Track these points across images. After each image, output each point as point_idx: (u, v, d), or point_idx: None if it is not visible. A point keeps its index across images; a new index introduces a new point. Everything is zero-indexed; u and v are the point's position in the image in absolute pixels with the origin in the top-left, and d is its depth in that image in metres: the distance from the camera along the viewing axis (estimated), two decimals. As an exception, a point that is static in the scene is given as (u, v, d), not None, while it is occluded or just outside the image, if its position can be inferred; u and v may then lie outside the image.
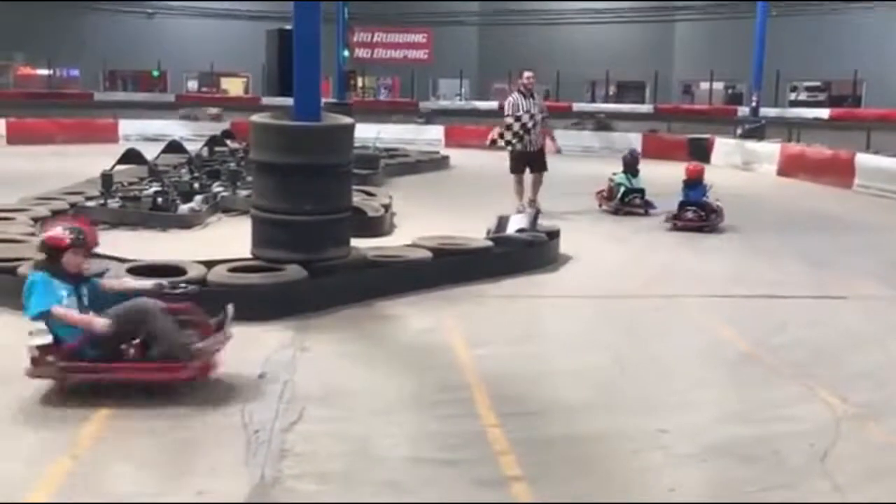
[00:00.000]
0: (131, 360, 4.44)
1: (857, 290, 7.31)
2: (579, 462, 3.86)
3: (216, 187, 11.28)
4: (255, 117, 6.64)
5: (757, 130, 21.41)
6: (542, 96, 11.32)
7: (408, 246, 7.50)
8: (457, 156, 19.50)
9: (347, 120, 6.82)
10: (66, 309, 4.39)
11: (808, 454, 3.94)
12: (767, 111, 23.56)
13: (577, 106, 28.56)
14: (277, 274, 6.16)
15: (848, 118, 23.62)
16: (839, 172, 15.63)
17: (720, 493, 3.61)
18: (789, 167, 17.42)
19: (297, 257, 6.29)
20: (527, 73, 11.02)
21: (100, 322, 4.39)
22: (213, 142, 14.37)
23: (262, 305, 5.88)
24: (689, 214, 10.47)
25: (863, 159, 15.53)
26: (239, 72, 34.69)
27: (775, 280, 7.62)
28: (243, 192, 10.67)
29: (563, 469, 3.78)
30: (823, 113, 24.99)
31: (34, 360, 4.37)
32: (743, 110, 24.93)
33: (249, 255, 6.61)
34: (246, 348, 5.30)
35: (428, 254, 7.19)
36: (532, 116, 10.71)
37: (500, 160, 20.08)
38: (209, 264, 6.30)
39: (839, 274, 7.98)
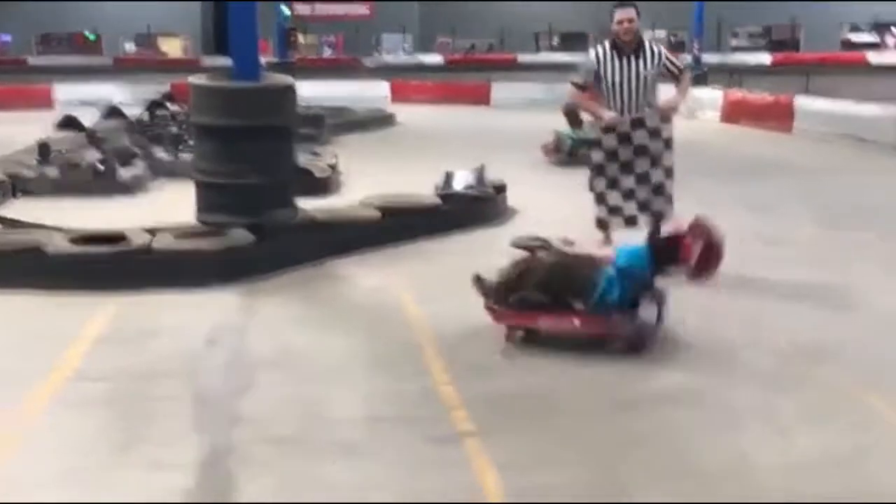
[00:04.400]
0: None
1: (798, 232, 7.45)
2: (533, 415, 3.91)
3: (158, 152, 11.08)
4: (193, 79, 6.51)
5: (700, 78, 21.57)
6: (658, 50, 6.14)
7: (355, 205, 7.46)
8: (403, 112, 19.37)
9: (288, 79, 6.72)
10: None
11: (753, 396, 4.03)
12: (710, 58, 23.78)
13: (522, 58, 28.52)
14: (223, 238, 6.10)
15: (788, 63, 23.97)
16: (780, 117, 15.88)
17: (663, 436, 3.69)
18: (732, 113, 17.63)
19: (242, 221, 6.22)
20: (620, 13, 5.96)
21: None
22: (153, 105, 14.07)
23: (209, 271, 5.83)
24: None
25: (801, 103, 15.80)
26: (177, 32, 33.94)
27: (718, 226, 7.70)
28: (186, 157, 10.48)
29: (516, 422, 3.83)
30: (765, 58, 25.30)
31: None
32: (685, 58, 25.09)
33: (194, 221, 6.52)
34: (194, 314, 5.28)
35: (376, 213, 7.16)
36: (630, 83, 5.98)
37: (447, 116, 20.13)
38: (153, 231, 6.20)
39: (779, 219, 8.13)
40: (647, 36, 5.85)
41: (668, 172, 6.06)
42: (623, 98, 5.97)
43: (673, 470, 3.40)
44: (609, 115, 5.97)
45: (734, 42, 32.04)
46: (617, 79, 5.94)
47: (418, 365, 4.51)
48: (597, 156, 6.12)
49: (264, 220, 6.25)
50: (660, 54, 6.01)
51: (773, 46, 29.88)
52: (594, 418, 3.90)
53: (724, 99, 18.31)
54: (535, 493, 3.19)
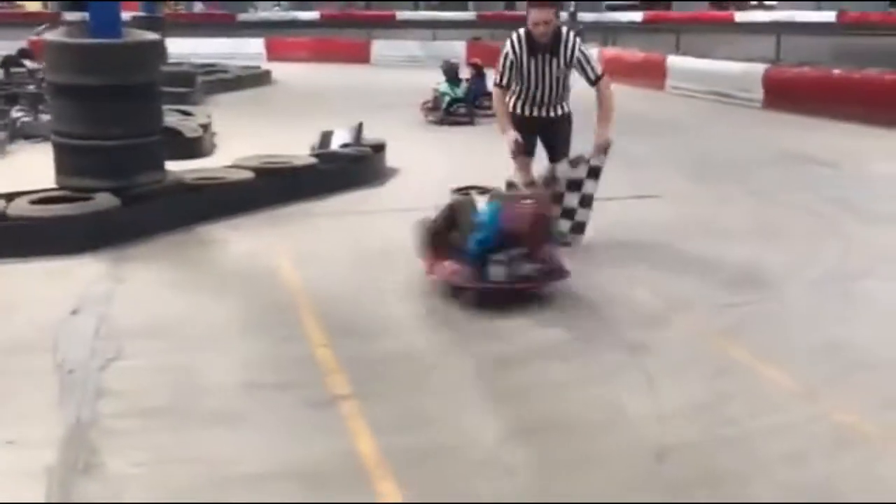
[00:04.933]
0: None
1: (669, 188, 7.68)
2: (408, 376, 3.89)
3: (15, 112, 10.48)
4: (49, 35, 6.16)
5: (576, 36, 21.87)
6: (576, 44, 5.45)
7: (228, 167, 7.26)
8: (279, 70, 18.94)
9: (152, 35, 6.44)
10: None
11: (623, 350, 4.15)
12: (585, 16, 24.10)
13: (401, 15, 28.25)
14: (86, 203, 5.82)
15: (660, 20, 24.58)
16: (652, 74, 16.27)
17: (538, 391, 3.74)
18: (607, 70, 17.92)
19: (106, 185, 5.97)
20: (536, 14, 5.34)
21: None
22: (8, 62, 13.28)
23: (71, 238, 5.58)
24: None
25: (673, 61, 16.23)
26: (35, -16, 32.08)
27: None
28: (46, 117, 9.95)
29: (392, 384, 3.80)
30: (637, 16, 25.84)
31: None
32: (563, 16, 25.37)
33: (55, 185, 6.20)
34: (57, 284, 5.06)
35: (250, 174, 6.98)
36: (543, 81, 5.49)
37: (325, 74, 19.77)
38: (9, 197, 5.88)
39: (651, 174, 8.34)
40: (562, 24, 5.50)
41: (586, 200, 5.55)
42: (536, 96, 5.53)
43: (550, 424, 3.45)
44: (510, 135, 5.39)
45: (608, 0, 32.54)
46: (531, 76, 5.46)
47: (294, 329, 4.43)
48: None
49: (130, 183, 6.00)
50: (573, 51, 5.40)
51: (646, 4, 30.53)
52: (471, 376, 3.91)
53: (600, 57, 18.60)
54: (411, 454, 3.18)
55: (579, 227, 5.59)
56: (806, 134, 10.85)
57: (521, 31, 5.46)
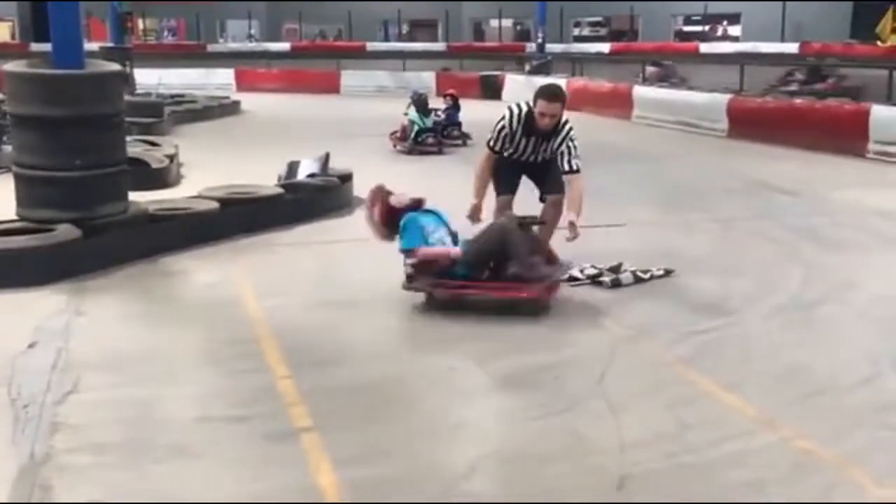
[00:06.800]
0: (487, 280, 5.12)
1: (634, 217, 7.73)
2: (371, 407, 3.86)
3: (-23, 143, 10.38)
4: (9, 66, 6.12)
5: (544, 66, 22.11)
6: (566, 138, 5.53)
7: (193, 197, 7.22)
8: (248, 100, 18.96)
9: (114, 66, 6.43)
10: (426, 248, 5.08)
11: (586, 378, 4.15)
12: (553, 47, 24.41)
13: (371, 46, 28.41)
14: (47, 235, 5.75)
15: (626, 51, 24.92)
16: (619, 104, 16.46)
17: (501, 421, 3.73)
18: (575, 101, 17.96)
19: (68, 216, 5.90)
20: (545, 106, 5.43)
21: (454, 251, 5.09)
22: (-27, 93, 13.16)
23: (30, 270, 5.50)
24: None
25: (640, 91, 16.43)
26: (3, 16, 31.96)
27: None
28: (9, 148, 9.86)
29: (354, 415, 3.77)
30: (604, 47, 26.18)
31: (409, 277, 5.09)
32: (531, 47, 25.67)
33: (15, 217, 6.13)
34: (14, 317, 4.98)
35: (215, 204, 6.94)
36: (529, 157, 5.68)
37: (295, 104, 19.80)
38: (-32, 229, 5.80)
39: (618, 203, 8.40)
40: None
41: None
42: (524, 158, 5.68)
43: (511, 454, 3.44)
44: (473, 202, 5.64)
45: (576, 32, 33.01)
46: (521, 148, 5.62)
47: (256, 361, 4.39)
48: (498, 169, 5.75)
49: (92, 214, 5.94)
50: (563, 141, 5.49)
51: (613, 36, 30.98)
52: (435, 407, 3.90)
53: (567, 87, 18.78)
54: (370, 487, 3.15)
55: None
56: (768, 162, 11.01)
57: (524, 107, 5.54)
